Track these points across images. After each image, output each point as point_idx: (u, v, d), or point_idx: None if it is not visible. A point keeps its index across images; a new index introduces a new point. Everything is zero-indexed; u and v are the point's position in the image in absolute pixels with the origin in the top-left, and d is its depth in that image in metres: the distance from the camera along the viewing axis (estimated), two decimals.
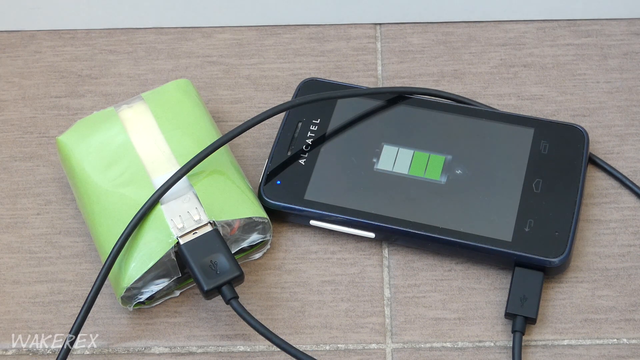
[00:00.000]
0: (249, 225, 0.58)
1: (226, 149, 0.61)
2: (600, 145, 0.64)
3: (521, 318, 0.56)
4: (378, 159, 0.61)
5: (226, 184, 0.58)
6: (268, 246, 0.60)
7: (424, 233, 0.58)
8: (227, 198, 0.58)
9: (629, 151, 0.63)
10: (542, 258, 0.57)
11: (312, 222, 0.60)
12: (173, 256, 0.56)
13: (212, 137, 0.60)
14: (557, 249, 0.57)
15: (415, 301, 0.58)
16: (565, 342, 0.56)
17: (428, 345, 0.57)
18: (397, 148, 0.61)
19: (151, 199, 0.57)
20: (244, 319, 0.54)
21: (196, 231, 0.56)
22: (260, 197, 0.60)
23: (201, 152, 0.58)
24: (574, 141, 0.61)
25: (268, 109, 0.61)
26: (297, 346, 0.57)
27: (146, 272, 0.56)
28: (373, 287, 0.59)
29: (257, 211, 0.58)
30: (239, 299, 0.55)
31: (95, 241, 0.58)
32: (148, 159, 0.59)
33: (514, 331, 0.56)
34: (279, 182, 0.60)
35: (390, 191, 0.60)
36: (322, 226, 0.60)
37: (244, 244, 0.59)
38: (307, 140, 0.62)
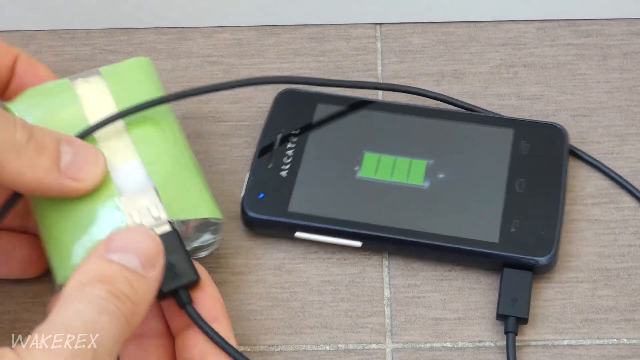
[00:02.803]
0: (203, 225, 0.56)
1: (186, 146, 0.58)
2: (600, 145, 0.64)
3: (513, 319, 0.56)
4: (360, 166, 0.61)
5: (185, 180, 0.56)
6: (216, 246, 0.58)
7: (410, 239, 0.58)
8: (186, 196, 0.55)
9: (629, 151, 0.63)
10: (529, 257, 0.57)
11: (297, 234, 0.59)
12: None
13: (171, 124, 0.58)
14: (543, 248, 0.57)
15: (415, 301, 0.58)
16: (565, 342, 0.56)
17: (428, 345, 0.57)
18: (378, 155, 0.61)
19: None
20: (198, 325, 0.52)
21: (153, 229, 0.53)
22: (243, 211, 0.59)
23: (149, 101, 0.56)
24: (554, 139, 0.61)
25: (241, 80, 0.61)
26: (297, 346, 0.57)
27: None
28: (373, 287, 0.59)
29: (214, 212, 0.56)
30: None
31: (37, 223, 0.55)
32: (104, 142, 0.55)
33: (507, 332, 0.56)
34: (261, 195, 0.60)
35: (374, 198, 0.59)
36: (307, 238, 0.59)
37: (195, 244, 0.57)
38: (287, 152, 0.61)
